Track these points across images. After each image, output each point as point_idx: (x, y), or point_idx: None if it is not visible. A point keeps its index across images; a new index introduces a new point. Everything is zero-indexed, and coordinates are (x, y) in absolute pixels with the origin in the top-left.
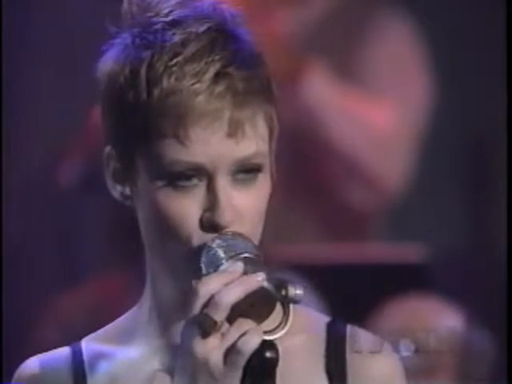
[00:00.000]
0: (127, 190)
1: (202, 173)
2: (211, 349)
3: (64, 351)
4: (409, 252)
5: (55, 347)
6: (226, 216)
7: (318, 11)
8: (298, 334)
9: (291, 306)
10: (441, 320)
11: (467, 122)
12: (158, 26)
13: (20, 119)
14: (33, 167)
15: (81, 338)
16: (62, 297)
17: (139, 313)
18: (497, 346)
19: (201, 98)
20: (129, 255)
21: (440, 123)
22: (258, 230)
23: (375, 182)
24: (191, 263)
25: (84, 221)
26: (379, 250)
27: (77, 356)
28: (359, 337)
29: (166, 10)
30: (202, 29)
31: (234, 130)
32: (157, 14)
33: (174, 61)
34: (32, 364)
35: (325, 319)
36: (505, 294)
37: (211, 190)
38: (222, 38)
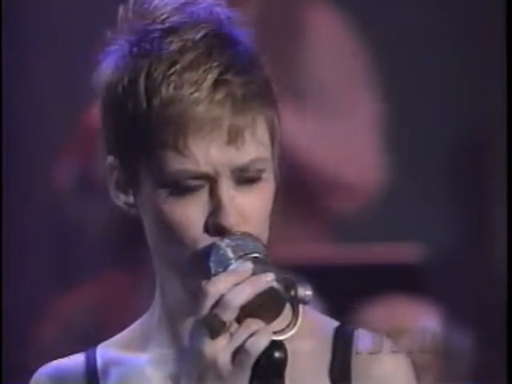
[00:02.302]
0: (131, 199)
1: (205, 179)
2: (220, 349)
3: (78, 358)
4: (407, 252)
5: (55, 348)
6: (230, 218)
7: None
8: (306, 337)
9: (300, 306)
10: (426, 321)
11: (467, 121)
12: (156, 34)
13: (20, 120)
14: (33, 168)
15: (80, 339)
16: (63, 297)
17: (151, 319)
18: (489, 347)
19: (200, 106)
20: (130, 255)
21: (440, 122)
22: (264, 231)
23: (349, 188)
24: (199, 264)
25: (84, 221)
26: (377, 250)
27: (90, 363)
28: (364, 340)
29: (163, 17)
30: (198, 35)
31: (234, 138)
32: (153, 21)
33: (172, 70)
34: (46, 371)
35: (333, 323)
36: (505, 294)
37: (214, 193)
38: (219, 43)
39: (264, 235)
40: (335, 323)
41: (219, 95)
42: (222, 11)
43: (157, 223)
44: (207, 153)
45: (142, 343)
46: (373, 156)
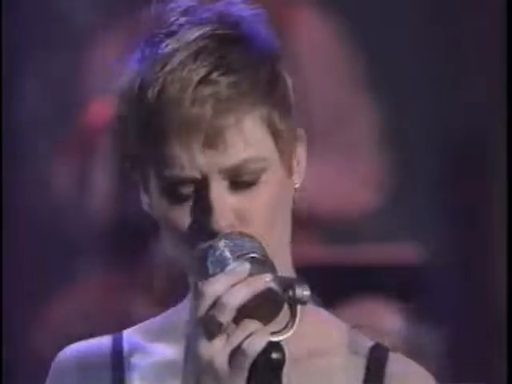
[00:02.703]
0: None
1: (196, 183)
2: (216, 350)
3: (105, 340)
4: (406, 252)
5: (55, 348)
6: (220, 221)
7: None
8: (343, 354)
9: (298, 307)
10: (423, 321)
11: (467, 121)
12: (158, 38)
13: (19, 119)
14: (33, 167)
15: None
16: (60, 298)
17: (182, 310)
18: (488, 347)
19: (182, 108)
20: (129, 256)
21: (439, 123)
22: (271, 232)
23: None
24: (198, 265)
25: (84, 222)
26: (377, 250)
27: (117, 347)
28: (397, 363)
29: (171, 20)
30: (193, 36)
31: (213, 139)
32: (163, 25)
33: (161, 72)
34: (71, 350)
35: (368, 342)
36: (505, 294)
37: (205, 197)
38: (213, 43)
39: (271, 236)
40: (370, 342)
41: (201, 95)
42: (236, 10)
43: (162, 226)
44: (191, 156)
45: (169, 335)
46: (373, 168)
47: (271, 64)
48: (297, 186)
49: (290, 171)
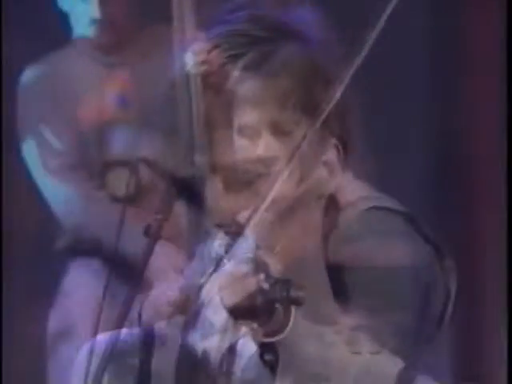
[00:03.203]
0: None
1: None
2: (209, 350)
3: (136, 330)
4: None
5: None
6: (215, 221)
7: None
8: (371, 374)
9: (292, 307)
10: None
11: (466, 122)
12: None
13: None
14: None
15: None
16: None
17: None
18: (488, 346)
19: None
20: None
21: (438, 124)
22: (270, 232)
23: None
24: (196, 264)
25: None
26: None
27: (148, 338)
28: None
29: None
30: (211, 35)
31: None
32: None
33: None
34: (101, 338)
35: (397, 364)
36: (505, 294)
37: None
38: (231, 43)
39: (270, 237)
40: (399, 363)
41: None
42: (282, 14)
43: None
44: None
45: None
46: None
47: (300, 70)
48: (327, 192)
49: (302, 175)
